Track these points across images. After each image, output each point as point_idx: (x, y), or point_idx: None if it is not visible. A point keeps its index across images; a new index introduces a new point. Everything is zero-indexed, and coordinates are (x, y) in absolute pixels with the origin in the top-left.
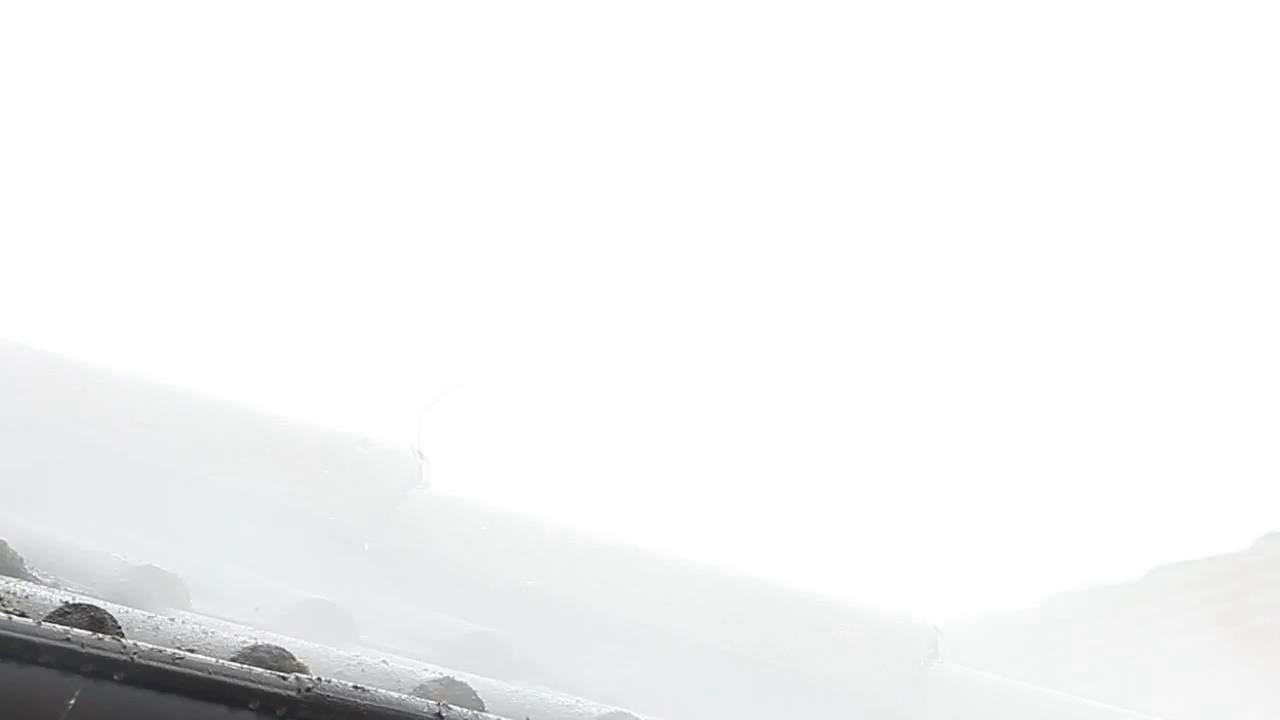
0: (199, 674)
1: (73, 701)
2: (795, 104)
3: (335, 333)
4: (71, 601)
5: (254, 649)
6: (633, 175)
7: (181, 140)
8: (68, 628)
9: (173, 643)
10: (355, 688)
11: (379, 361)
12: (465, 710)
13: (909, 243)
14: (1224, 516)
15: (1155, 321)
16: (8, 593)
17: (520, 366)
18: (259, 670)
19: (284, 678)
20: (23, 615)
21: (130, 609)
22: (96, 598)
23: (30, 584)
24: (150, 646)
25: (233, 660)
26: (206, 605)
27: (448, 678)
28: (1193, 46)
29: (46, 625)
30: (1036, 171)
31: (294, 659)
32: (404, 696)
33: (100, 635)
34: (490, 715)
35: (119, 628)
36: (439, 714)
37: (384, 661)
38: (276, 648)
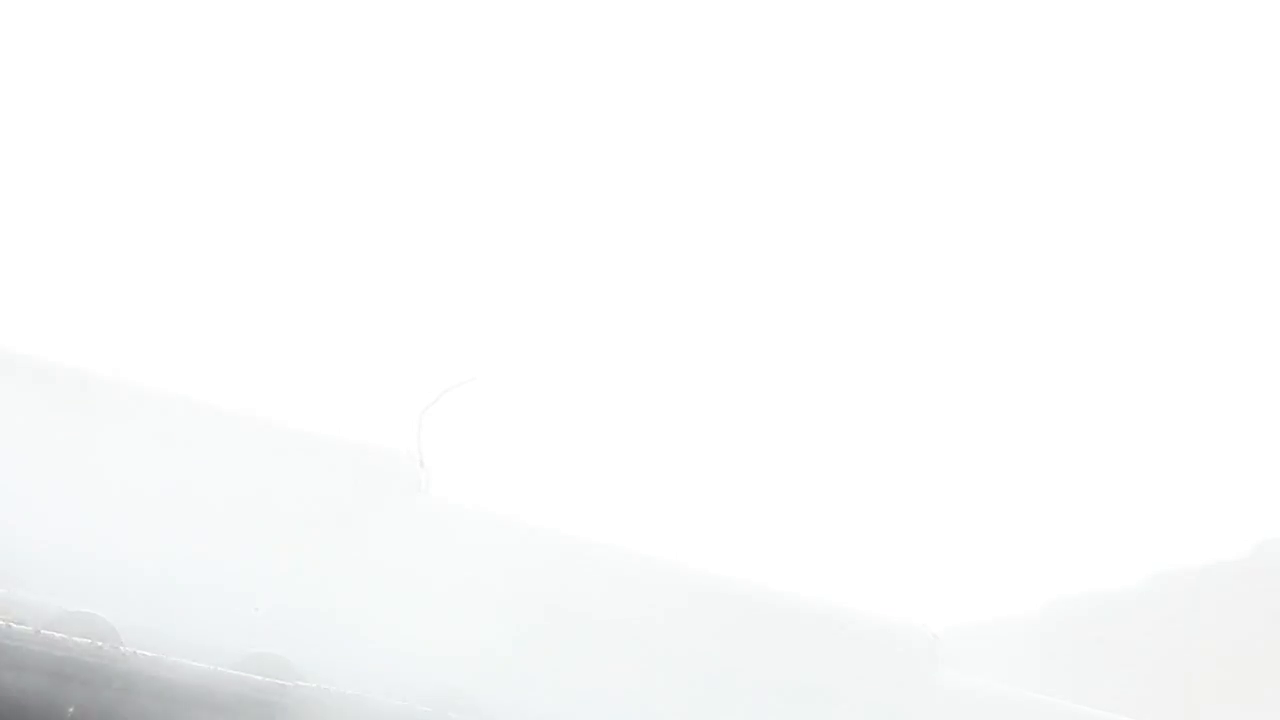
0: (198, 682)
1: (71, 709)
2: (796, 103)
3: (333, 337)
4: (70, 609)
5: (253, 657)
6: (633, 175)
7: (180, 141)
8: (66, 635)
9: (171, 651)
10: (355, 695)
11: (378, 366)
12: (465, 717)
13: (910, 244)
14: (1224, 524)
15: (1155, 328)
16: (6, 600)
17: (519, 368)
18: (258, 678)
19: (283, 685)
20: (21, 623)
21: (129, 616)
22: (95, 605)
23: (29, 591)
24: (149, 654)
25: (232, 668)
26: (205, 613)
27: (447, 684)
28: (1193, 46)
29: (45, 633)
30: (1039, 174)
31: (293, 667)
32: (404, 703)
33: (98, 643)
34: None
35: (117, 635)
36: None
37: (384, 669)
38: (276, 655)
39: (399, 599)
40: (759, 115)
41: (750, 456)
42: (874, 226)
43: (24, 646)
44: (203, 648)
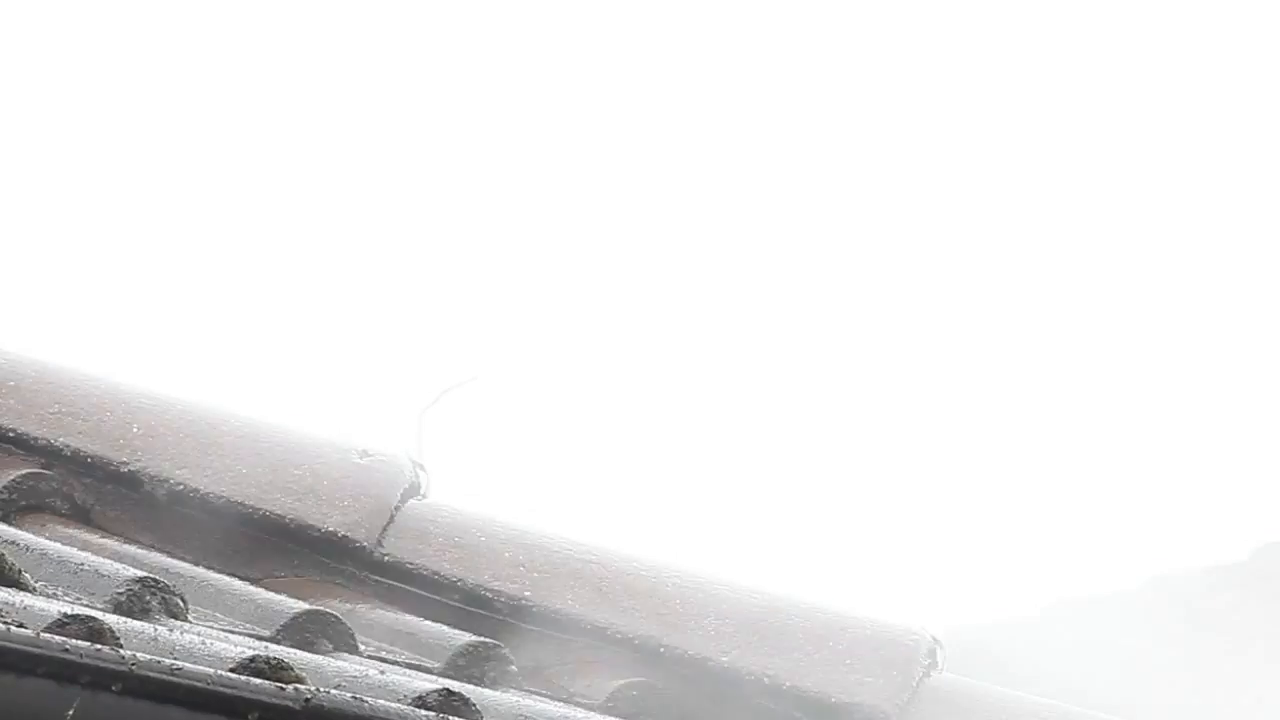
0: (197, 684)
1: (71, 712)
2: (796, 103)
3: (332, 340)
4: (69, 613)
5: (252, 659)
6: (633, 174)
7: (179, 142)
8: (66, 638)
9: (171, 653)
10: (354, 698)
11: (377, 369)
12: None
13: (911, 249)
14: (1223, 527)
15: (1156, 330)
16: (6, 604)
17: (518, 370)
18: (257, 681)
19: (282, 688)
20: (21, 626)
21: (128, 620)
22: (95, 609)
23: (28, 595)
24: (148, 657)
25: (231, 671)
26: (204, 617)
27: (446, 689)
28: (1192, 46)
29: (45, 636)
30: (1041, 176)
31: (292, 670)
32: (403, 707)
33: (98, 646)
34: None
35: (117, 639)
36: None
37: (383, 672)
38: (275, 658)
39: (399, 599)
40: (753, 114)
41: (749, 459)
42: (873, 226)
43: (24, 649)
44: (203, 651)
